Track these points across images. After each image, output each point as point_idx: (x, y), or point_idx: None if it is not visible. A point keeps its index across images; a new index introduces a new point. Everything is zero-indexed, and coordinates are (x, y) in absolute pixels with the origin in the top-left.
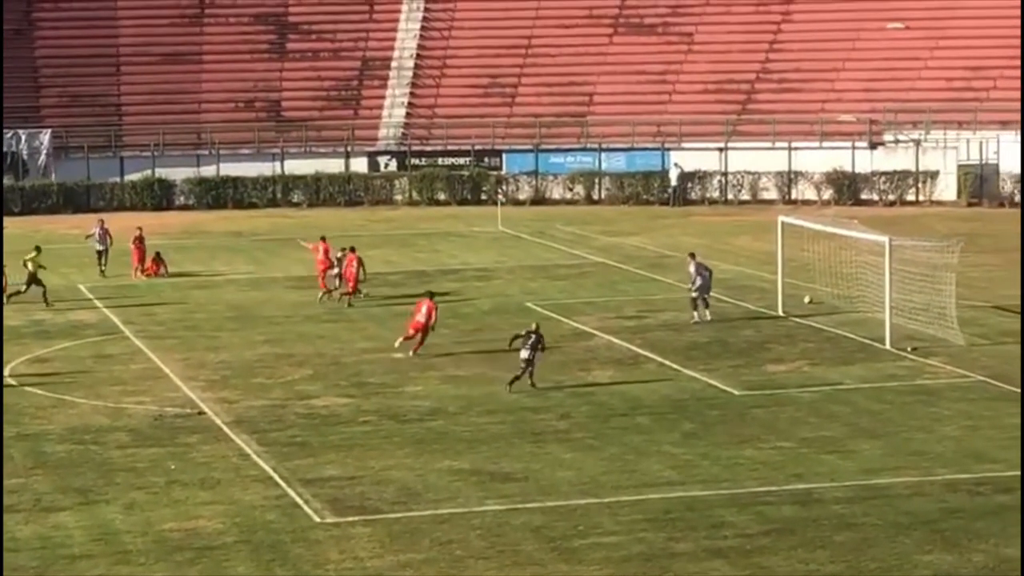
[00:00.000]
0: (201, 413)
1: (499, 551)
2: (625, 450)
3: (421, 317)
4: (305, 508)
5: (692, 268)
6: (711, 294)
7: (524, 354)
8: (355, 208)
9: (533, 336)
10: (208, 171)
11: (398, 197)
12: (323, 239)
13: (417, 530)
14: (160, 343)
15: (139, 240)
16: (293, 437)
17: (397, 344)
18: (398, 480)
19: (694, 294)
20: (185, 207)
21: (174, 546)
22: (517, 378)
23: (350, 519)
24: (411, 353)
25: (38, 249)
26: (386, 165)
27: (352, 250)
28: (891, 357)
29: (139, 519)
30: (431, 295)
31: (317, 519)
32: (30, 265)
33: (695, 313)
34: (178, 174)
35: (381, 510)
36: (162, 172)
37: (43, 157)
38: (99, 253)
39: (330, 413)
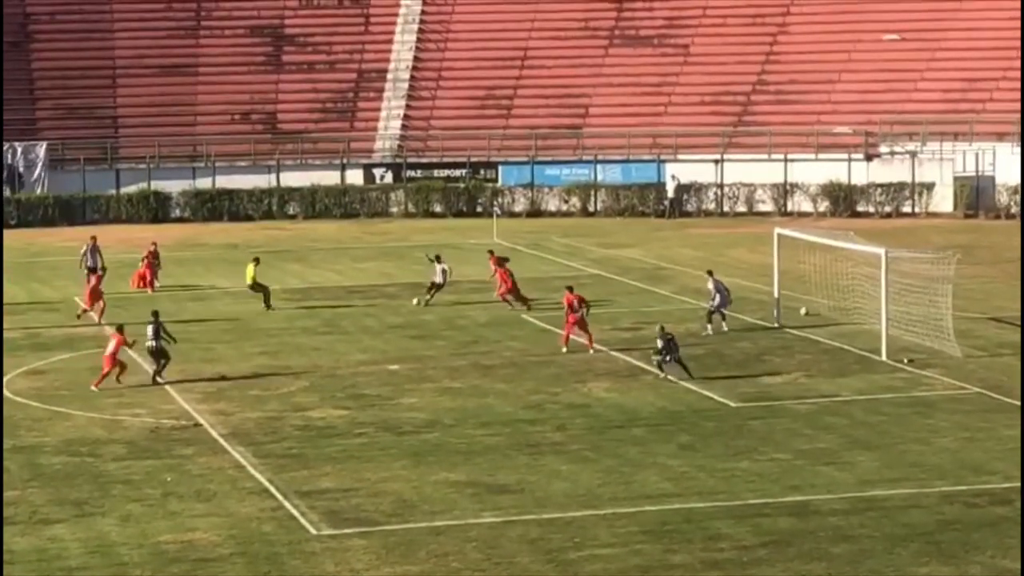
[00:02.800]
0: (197, 425)
1: (495, 563)
2: (621, 462)
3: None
4: (301, 520)
5: (711, 285)
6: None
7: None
8: (351, 220)
9: (669, 337)
10: (204, 183)
11: (394, 209)
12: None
13: (413, 542)
14: None
15: (153, 255)
16: (289, 449)
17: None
18: (394, 492)
19: (711, 309)
20: (181, 220)
21: (170, 558)
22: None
23: (346, 531)
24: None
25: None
26: (382, 177)
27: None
28: (887, 369)
29: (135, 531)
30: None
31: (313, 531)
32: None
33: (708, 326)
34: (174, 186)
35: (377, 522)
36: (158, 184)
37: (39, 170)
38: (90, 271)
39: (326, 425)
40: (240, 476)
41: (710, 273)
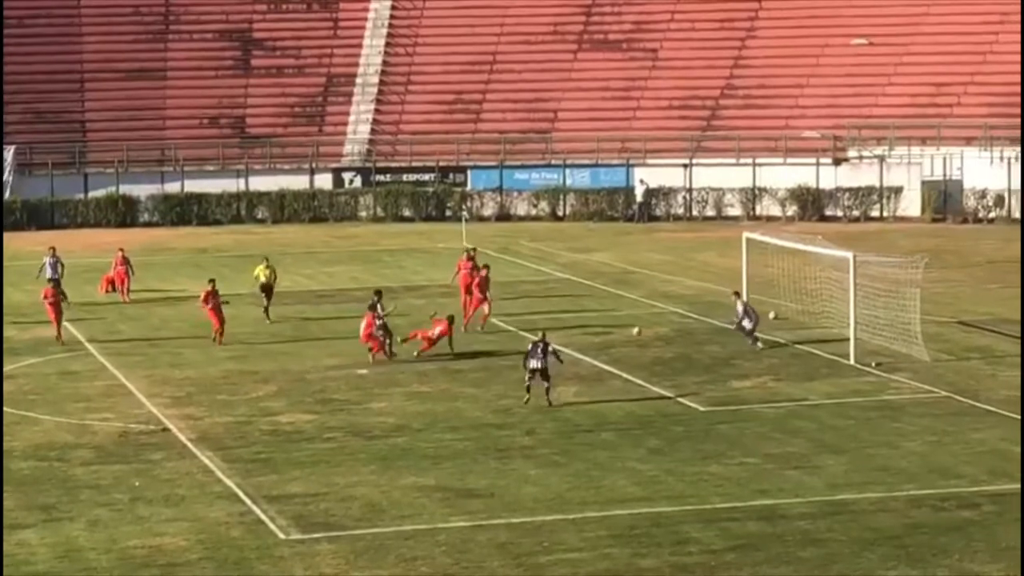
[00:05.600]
0: (165, 430)
1: (464, 567)
2: (590, 466)
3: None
4: (270, 525)
5: (740, 307)
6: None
7: (532, 363)
8: (319, 225)
9: (541, 344)
10: (172, 188)
11: (363, 214)
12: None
13: (382, 546)
14: (124, 360)
15: (122, 262)
16: (258, 454)
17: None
18: (363, 496)
19: (732, 327)
20: (149, 224)
21: (139, 563)
22: (529, 388)
23: (315, 535)
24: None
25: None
26: (351, 181)
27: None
28: (855, 373)
29: (103, 536)
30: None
31: (282, 536)
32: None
33: (758, 343)
34: (142, 191)
35: (346, 526)
36: (126, 189)
37: (7, 174)
38: (52, 282)
39: (295, 430)
40: (208, 481)
41: (737, 295)
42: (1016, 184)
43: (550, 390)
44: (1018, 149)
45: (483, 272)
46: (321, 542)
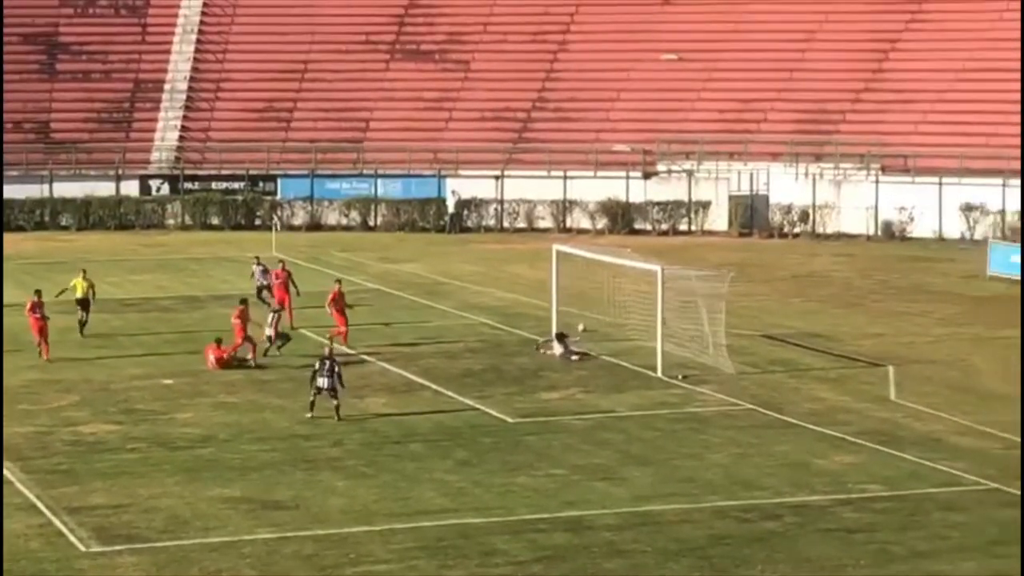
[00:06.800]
0: None
1: None
2: (398, 478)
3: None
4: (70, 537)
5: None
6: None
7: (320, 381)
8: (126, 232)
9: (328, 362)
10: None
11: (170, 221)
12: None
13: (186, 559)
14: None
15: None
16: (58, 464)
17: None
18: (167, 508)
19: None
20: None
21: None
22: (313, 403)
23: (117, 548)
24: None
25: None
26: (158, 189)
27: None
28: (662, 385)
29: None
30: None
31: (83, 548)
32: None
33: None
34: None
35: (149, 539)
36: None
37: None
38: None
39: (97, 440)
40: (6, 492)
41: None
42: (820, 199)
43: (339, 407)
44: (821, 165)
45: (336, 288)
46: (123, 554)
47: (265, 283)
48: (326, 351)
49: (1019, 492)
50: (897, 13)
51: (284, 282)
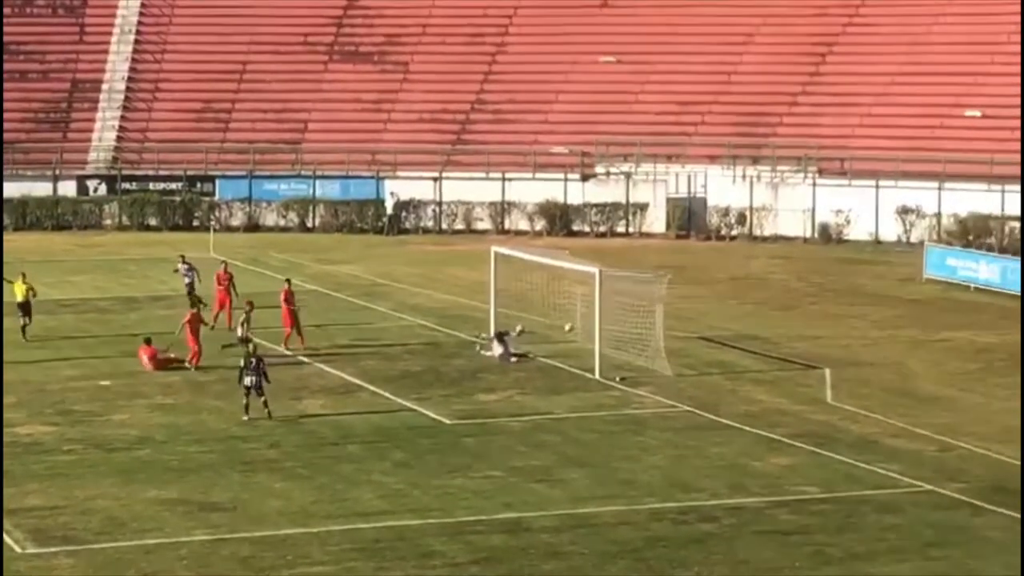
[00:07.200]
0: None
1: None
2: (335, 479)
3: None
4: (6, 539)
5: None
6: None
7: (247, 380)
8: (63, 233)
9: (255, 360)
10: None
11: (108, 222)
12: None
13: (122, 560)
14: None
15: None
16: None
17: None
18: (103, 510)
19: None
20: None
21: None
22: (247, 405)
23: (52, 550)
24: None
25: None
26: (95, 189)
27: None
28: (600, 387)
29: None
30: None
31: (18, 550)
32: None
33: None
34: None
35: (85, 540)
36: None
37: None
38: None
39: (33, 441)
40: None
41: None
42: (757, 202)
43: (267, 402)
44: (759, 168)
45: (286, 288)
46: (59, 556)
47: (188, 281)
48: (250, 348)
49: (955, 494)
50: (834, 17)
51: (227, 284)
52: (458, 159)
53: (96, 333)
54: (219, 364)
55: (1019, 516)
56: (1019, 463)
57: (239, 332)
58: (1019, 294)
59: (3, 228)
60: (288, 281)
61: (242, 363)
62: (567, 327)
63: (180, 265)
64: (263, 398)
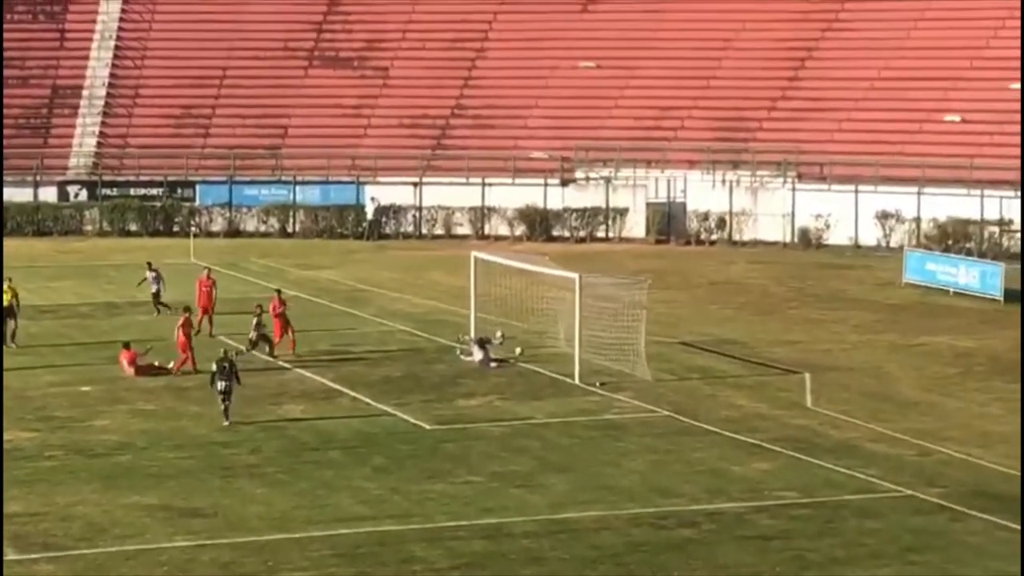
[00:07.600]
0: None
1: None
2: (316, 485)
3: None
4: None
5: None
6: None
7: (220, 385)
8: (43, 238)
9: (227, 365)
10: None
11: (88, 228)
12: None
13: (103, 567)
14: None
15: None
16: None
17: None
18: (84, 516)
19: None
20: None
21: None
22: (225, 410)
23: (33, 556)
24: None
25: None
26: (76, 195)
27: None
28: (580, 392)
29: None
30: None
31: None
32: None
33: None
34: None
35: (66, 547)
36: None
37: None
38: None
39: (14, 447)
40: None
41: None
42: (736, 207)
43: (228, 410)
44: (738, 173)
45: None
46: (40, 563)
47: (155, 289)
48: (222, 352)
49: (934, 499)
50: (814, 22)
51: (209, 290)
52: (438, 164)
53: (77, 339)
54: (203, 369)
55: (997, 520)
56: (997, 467)
57: (251, 335)
58: (998, 298)
59: (3, 228)
60: (278, 292)
61: (214, 367)
62: (498, 334)
63: (148, 273)
64: (228, 403)
